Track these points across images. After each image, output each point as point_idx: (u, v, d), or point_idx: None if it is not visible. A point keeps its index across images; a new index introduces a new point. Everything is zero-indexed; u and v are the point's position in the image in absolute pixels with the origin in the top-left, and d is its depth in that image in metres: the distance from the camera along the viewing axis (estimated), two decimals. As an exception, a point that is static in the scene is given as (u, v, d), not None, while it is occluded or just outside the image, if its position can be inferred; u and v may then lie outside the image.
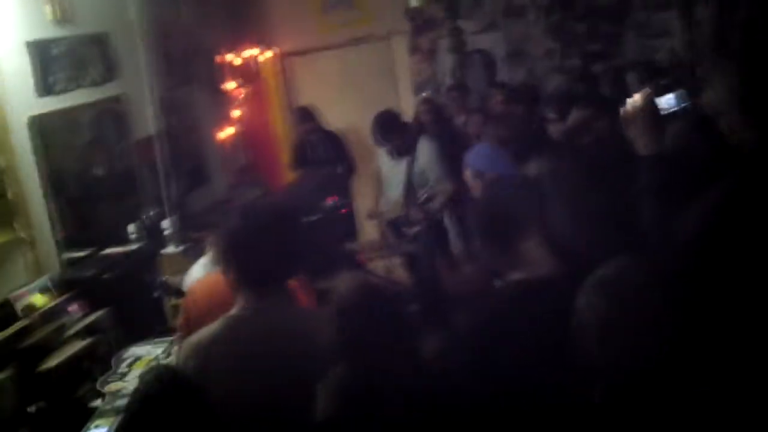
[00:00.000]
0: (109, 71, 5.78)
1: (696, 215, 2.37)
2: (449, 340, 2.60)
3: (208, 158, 7.38)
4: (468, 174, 4.24)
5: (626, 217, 2.76)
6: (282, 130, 8.99)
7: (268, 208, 2.97)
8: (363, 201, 8.00)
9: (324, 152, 7.63)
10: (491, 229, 2.61)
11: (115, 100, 5.90)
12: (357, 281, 2.53)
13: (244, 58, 8.17)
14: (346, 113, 8.68)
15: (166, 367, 2.76)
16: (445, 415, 2.25)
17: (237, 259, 2.68)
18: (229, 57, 7.88)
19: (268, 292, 2.67)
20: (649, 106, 2.69)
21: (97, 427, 3.50)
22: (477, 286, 2.84)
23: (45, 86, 5.04)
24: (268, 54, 8.71)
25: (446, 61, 8.65)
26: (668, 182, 2.60)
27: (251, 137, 8.51)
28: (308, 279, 3.59)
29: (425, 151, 6.11)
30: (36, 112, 4.95)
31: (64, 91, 5.26)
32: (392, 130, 6.25)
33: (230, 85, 7.91)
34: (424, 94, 8.44)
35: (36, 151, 4.93)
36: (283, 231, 2.68)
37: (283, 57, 8.97)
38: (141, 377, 2.46)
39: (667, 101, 2.75)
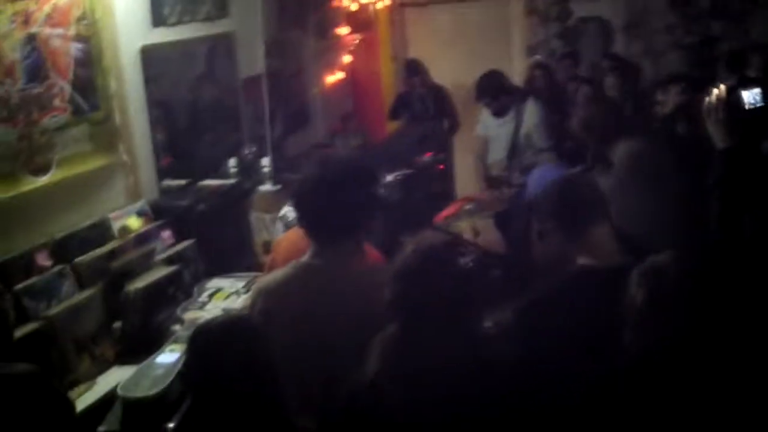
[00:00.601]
0: (223, 8, 5.89)
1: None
2: (511, 316, 2.62)
3: (312, 103, 7.46)
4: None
5: (697, 210, 2.72)
6: (390, 81, 9.00)
7: (345, 161, 3.00)
8: (464, 158, 7.99)
9: (429, 106, 7.62)
10: (562, 213, 2.58)
11: (227, 36, 6.01)
12: (425, 246, 2.55)
13: (361, 4, 8.17)
14: (456, 69, 8.60)
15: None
16: (490, 395, 2.28)
17: (307, 210, 2.75)
18: (346, 2, 7.89)
19: (337, 244, 2.74)
20: (733, 99, 2.64)
21: (171, 351, 3.66)
22: (554, 263, 2.81)
23: (159, 17, 5.17)
24: (386, 1, 8.69)
25: (561, 24, 8.48)
26: (740, 180, 2.54)
27: (359, 85, 8.56)
28: (387, 234, 3.66)
29: (533, 114, 6.07)
30: (149, 41, 5.09)
31: (178, 23, 5.39)
32: (497, 91, 6.21)
33: (343, 31, 7.94)
34: (537, 57, 8.32)
35: (146, 79, 5.08)
36: (355, 186, 2.70)
37: (401, 7, 8.95)
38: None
39: (753, 95, 2.66)
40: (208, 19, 5.77)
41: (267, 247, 5.10)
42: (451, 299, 2.35)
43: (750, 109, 2.67)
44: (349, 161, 3.00)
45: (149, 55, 5.09)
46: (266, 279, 2.90)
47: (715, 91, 2.69)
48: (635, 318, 1.96)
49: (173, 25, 5.36)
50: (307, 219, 2.79)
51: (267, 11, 6.25)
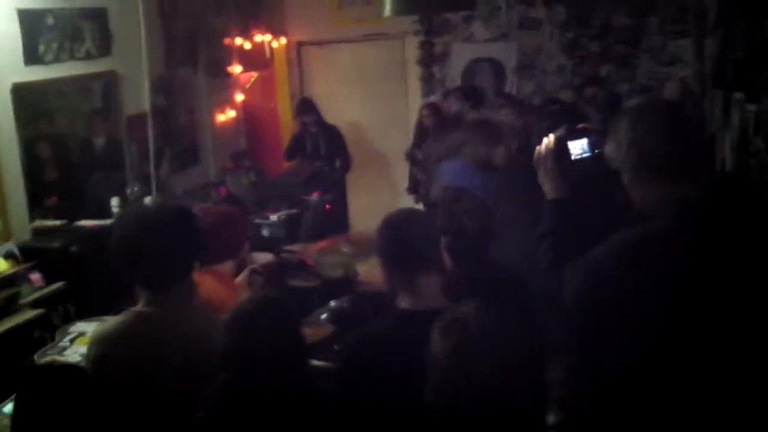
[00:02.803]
0: (105, 46, 5.82)
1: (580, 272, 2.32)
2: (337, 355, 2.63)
3: (201, 140, 7.39)
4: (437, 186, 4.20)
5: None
6: (289, 119, 9.00)
7: (161, 209, 2.96)
8: (358, 197, 8.03)
9: (321, 146, 7.64)
10: (393, 256, 2.55)
11: (110, 74, 5.94)
12: (255, 297, 2.55)
13: (255, 43, 8.18)
14: (354, 108, 8.71)
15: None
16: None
17: (130, 259, 2.68)
18: (239, 41, 7.89)
19: (166, 291, 2.69)
20: (560, 149, 2.63)
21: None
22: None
23: (33, 55, 5.08)
24: (282, 41, 8.72)
25: (456, 65, 8.62)
26: (566, 231, 2.56)
27: (255, 123, 8.54)
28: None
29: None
30: (21, 79, 5.00)
31: (55, 61, 5.30)
32: None
33: (236, 69, 7.93)
34: (431, 98, 8.43)
35: (19, 118, 4.97)
36: (175, 232, 2.65)
37: (298, 45, 8.99)
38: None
39: (580, 146, 2.64)
40: (89, 57, 5.69)
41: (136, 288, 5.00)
42: (284, 346, 2.36)
43: (578, 160, 2.64)
44: (166, 208, 2.94)
45: (22, 93, 4.99)
46: (102, 326, 2.85)
47: (545, 140, 2.68)
48: (437, 372, 1.97)
49: (50, 63, 5.26)
50: (131, 268, 2.74)
51: (153, 49, 6.19)
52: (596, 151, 2.63)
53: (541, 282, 3.71)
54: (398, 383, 2.19)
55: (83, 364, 2.95)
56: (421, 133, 6.84)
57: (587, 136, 2.66)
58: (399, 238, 2.53)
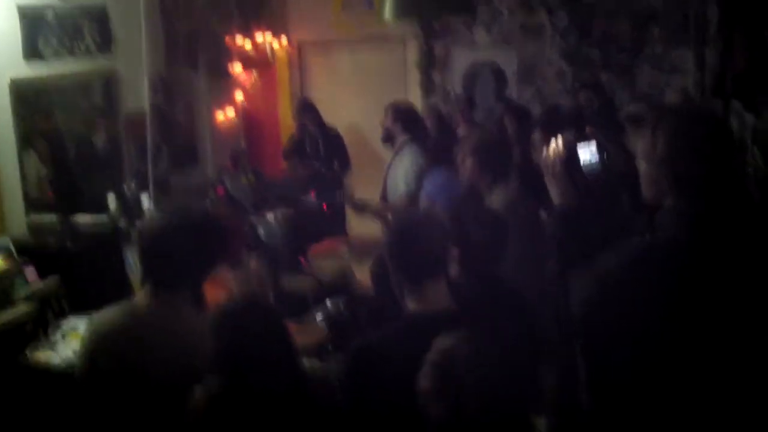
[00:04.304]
0: (106, 43, 5.82)
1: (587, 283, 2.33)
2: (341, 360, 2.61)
3: (200, 139, 7.39)
4: (422, 197, 4.19)
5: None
6: (289, 121, 8.99)
7: (195, 214, 2.98)
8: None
9: (320, 147, 7.63)
10: (402, 259, 2.52)
11: (110, 72, 5.94)
12: (244, 299, 2.55)
13: (256, 43, 8.18)
14: (352, 110, 8.70)
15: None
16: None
17: (149, 254, 2.75)
18: (240, 41, 7.89)
19: (173, 292, 2.72)
20: (569, 155, 2.60)
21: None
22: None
23: (32, 50, 5.08)
24: (284, 41, 8.71)
25: (457, 69, 8.62)
26: (573, 238, 2.53)
27: (255, 124, 8.53)
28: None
29: (405, 158, 5.95)
30: (20, 75, 5.00)
31: (55, 57, 5.30)
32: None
33: (237, 69, 7.93)
34: (432, 100, 8.43)
35: (15, 112, 4.97)
36: (200, 239, 2.72)
37: (300, 46, 8.99)
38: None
39: (588, 152, 2.60)
40: (89, 54, 5.69)
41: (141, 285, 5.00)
42: (271, 348, 2.35)
43: (586, 166, 2.60)
44: (196, 216, 2.97)
45: (20, 89, 4.98)
46: (98, 316, 2.86)
47: (552, 145, 2.64)
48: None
49: (49, 59, 5.26)
50: (147, 262, 2.77)
51: (153, 48, 6.19)
52: (605, 156, 2.60)
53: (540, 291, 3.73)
54: (408, 386, 2.17)
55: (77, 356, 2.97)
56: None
57: (596, 142, 2.62)
58: (409, 242, 2.50)
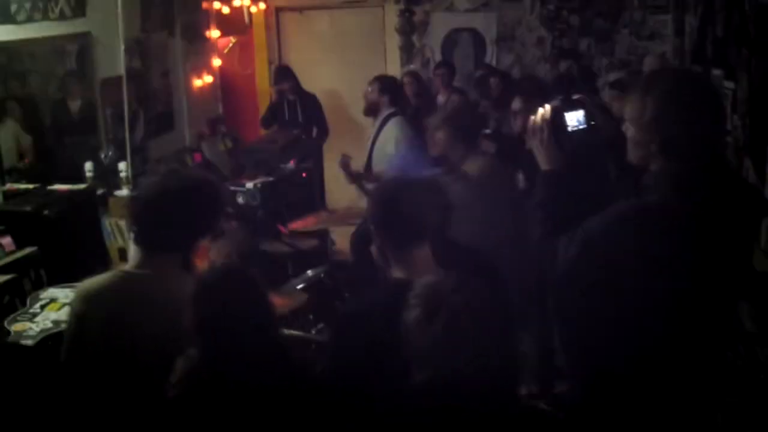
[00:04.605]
0: (79, 6, 5.70)
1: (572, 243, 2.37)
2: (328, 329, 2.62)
3: (177, 105, 7.30)
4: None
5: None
6: (266, 86, 8.91)
7: (188, 178, 2.93)
8: (335, 166, 7.96)
9: (298, 114, 7.57)
10: (388, 226, 2.53)
11: (84, 36, 5.83)
12: (222, 267, 2.53)
13: (233, 8, 8.07)
14: (332, 75, 8.64)
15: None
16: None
17: (141, 219, 2.72)
18: (217, 5, 7.78)
19: (162, 256, 2.70)
20: (556, 120, 2.60)
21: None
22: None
23: (5, 14, 4.97)
24: (262, 6, 8.60)
25: (436, 35, 8.57)
26: (560, 202, 2.55)
27: (232, 89, 8.45)
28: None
29: (390, 128, 5.91)
30: (-7, 38, 4.90)
31: (28, 21, 5.19)
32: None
33: (215, 34, 7.83)
34: (411, 66, 8.38)
35: (-11, 77, 4.88)
36: (193, 204, 2.69)
37: (277, 11, 8.88)
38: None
39: (575, 117, 2.61)
40: (63, 18, 5.58)
41: (123, 253, 4.96)
42: (250, 317, 2.34)
43: (573, 132, 2.62)
44: (194, 179, 2.93)
45: (-7, 52, 4.89)
46: (87, 283, 2.83)
47: (539, 111, 2.65)
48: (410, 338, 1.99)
49: (22, 23, 5.15)
50: (139, 227, 2.74)
51: (128, 11, 6.09)
52: (591, 123, 2.62)
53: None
54: (395, 353, 2.18)
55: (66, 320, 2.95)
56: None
57: (583, 108, 2.64)
58: (395, 208, 2.50)
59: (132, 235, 2.81)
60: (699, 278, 2.28)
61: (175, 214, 2.66)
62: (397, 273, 2.52)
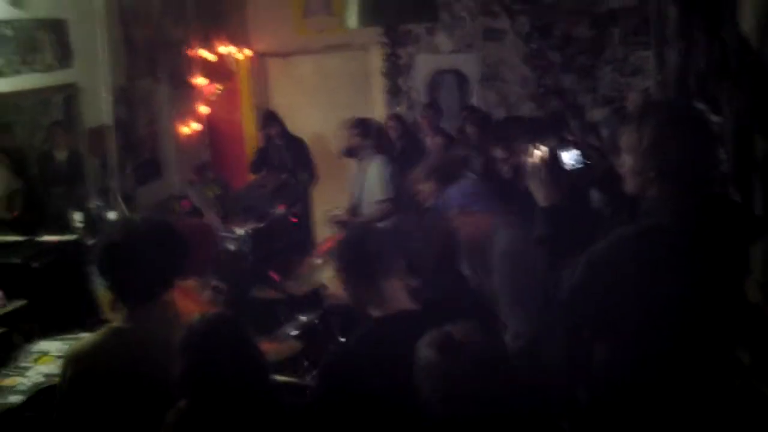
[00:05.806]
0: (66, 57, 5.72)
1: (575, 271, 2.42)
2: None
3: (164, 152, 7.29)
4: (454, 212, 4.20)
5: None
6: (253, 131, 8.93)
7: (144, 224, 2.92)
8: (324, 209, 7.96)
9: (286, 158, 7.59)
10: (353, 269, 2.63)
11: (70, 86, 5.84)
12: (212, 316, 2.52)
13: (219, 55, 8.12)
14: (318, 120, 8.66)
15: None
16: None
17: (111, 275, 2.68)
18: (202, 52, 7.82)
19: (145, 307, 2.66)
20: (552, 159, 2.72)
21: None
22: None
23: (-10, 67, 4.99)
24: (247, 52, 8.66)
25: (421, 77, 8.63)
26: (561, 238, 2.63)
27: (219, 135, 8.46)
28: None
29: (375, 169, 5.95)
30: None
31: (14, 74, 5.20)
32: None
33: (200, 81, 7.86)
34: (397, 109, 8.42)
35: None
36: (156, 249, 2.65)
37: (262, 57, 8.94)
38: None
39: (571, 157, 2.77)
40: (49, 69, 5.59)
41: (114, 305, 4.91)
42: (240, 365, 2.33)
43: (570, 170, 2.78)
44: (152, 221, 2.92)
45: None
46: (77, 345, 2.80)
47: (537, 152, 2.77)
48: (433, 384, 2.02)
49: (8, 76, 5.15)
50: (113, 284, 2.71)
51: (114, 60, 6.11)
52: (586, 161, 2.81)
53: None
54: (384, 388, 2.21)
55: (56, 383, 2.90)
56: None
57: (577, 147, 2.82)
58: (358, 253, 2.63)
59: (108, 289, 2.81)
60: (699, 293, 2.40)
61: (137, 261, 2.63)
62: (374, 312, 2.60)
